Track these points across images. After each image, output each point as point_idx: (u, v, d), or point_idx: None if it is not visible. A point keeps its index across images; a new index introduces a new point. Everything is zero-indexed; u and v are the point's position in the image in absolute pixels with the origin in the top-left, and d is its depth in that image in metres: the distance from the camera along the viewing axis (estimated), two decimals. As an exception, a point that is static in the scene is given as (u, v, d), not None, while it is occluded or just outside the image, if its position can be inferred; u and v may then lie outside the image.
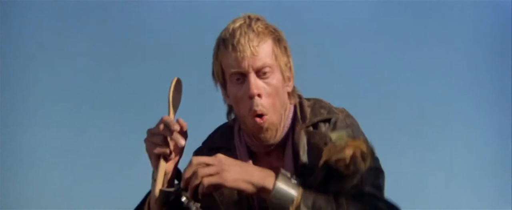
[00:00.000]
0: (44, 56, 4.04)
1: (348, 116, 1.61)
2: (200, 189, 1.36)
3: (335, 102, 1.68)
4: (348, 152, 1.40)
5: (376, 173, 1.53)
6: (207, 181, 1.35)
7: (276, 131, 1.56)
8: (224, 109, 1.67)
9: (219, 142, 1.67)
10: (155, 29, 4.18)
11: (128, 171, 3.83)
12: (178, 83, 1.50)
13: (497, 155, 3.64)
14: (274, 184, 1.37)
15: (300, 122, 1.58)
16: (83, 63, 4.12)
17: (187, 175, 1.38)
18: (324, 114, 1.58)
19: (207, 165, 1.38)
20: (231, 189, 1.42)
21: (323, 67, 3.88)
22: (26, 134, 3.95)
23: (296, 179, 1.41)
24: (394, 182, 1.67)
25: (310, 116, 1.59)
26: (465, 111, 3.89)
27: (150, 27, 4.18)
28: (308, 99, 1.66)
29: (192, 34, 4.03)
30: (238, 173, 1.38)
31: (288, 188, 1.38)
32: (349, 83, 4.05)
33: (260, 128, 1.53)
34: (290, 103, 1.62)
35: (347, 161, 1.39)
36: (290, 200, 1.37)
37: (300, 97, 1.65)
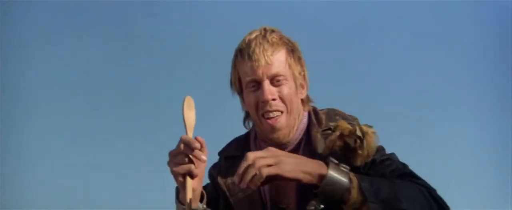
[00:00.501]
0: (45, 57, 4.05)
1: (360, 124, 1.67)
2: (256, 179, 1.41)
3: (339, 103, 1.76)
4: (343, 127, 1.54)
5: (402, 163, 1.63)
6: (266, 171, 1.42)
7: (289, 132, 1.65)
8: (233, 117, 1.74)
9: (235, 151, 1.75)
10: (156, 29, 4.19)
11: (128, 171, 3.84)
12: (190, 101, 1.52)
13: (497, 155, 3.65)
14: (327, 171, 1.45)
15: (316, 126, 1.67)
16: (83, 64, 4.13)
17: (243, 166, 1.43)
18: (339, 120, 1.65)
19: (263, 157, 1.44)
20: (287, 179, 1.46)
21: (323, 67, 3.88)
22: (26, 134, 3.95)
23: (344, 167, 1.49)
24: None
25: (326, 121, 1.68)
26: (465, 111, 3.90)
27: (151, 27, 4.19)
28: (321, 109, 1.75)
29: (193, 34, 4.03)
30: (294, 164, 1.45)
31: (339, 174, 1.46)
32: (351, 83, 4.06)
33: (272, 128, 1.63)
34: (304, 110, 1.72)
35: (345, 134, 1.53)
36: (343, 185, 1.45)
37: (314, 107, 1.75)
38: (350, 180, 1.45)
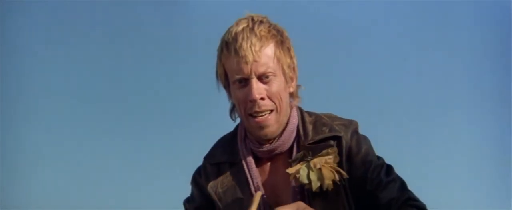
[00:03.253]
0: (45, 57, 4.05)
1: (354, 132, 1.63)
2: None
3: (337, 102, 1.69)
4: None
5: (400, 179, 1.61)
6: None
7: (277, 129, 1.59)
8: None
9: (222, 157, 1.69)
10: (157, 29, 4.19)
11: (129, 171, 3.84)
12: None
13: (497, 155, 3.65)
14: None
15: (303, 138, 1.61)
16: (84, 64, 4.13)
17: None
18: (326, 132, 1.61)
19: None
20: None
21: (320, 65, 3.88)
22: (26, 134, 3.95)
23: None
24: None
25: (312, 133, 1.61)
26: (465, 110, 3.90)
27: (152, 27, 4.19)
28: (309, 115, 1.68)
29: (196, 34, 4.03)
30: None
31: None
32: (349, 82, 4.06)
33: (260, 127, 1.56)
34: (293, 106, 1.65)
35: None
36: None
37: (301, 110, 1.68)
38: None
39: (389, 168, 1.60)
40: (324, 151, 1.56)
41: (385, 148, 1.66)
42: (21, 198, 3.71)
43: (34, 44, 3.99)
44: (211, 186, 1.64)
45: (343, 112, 1.69)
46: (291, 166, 1.57)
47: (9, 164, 3.75)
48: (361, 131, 1.65)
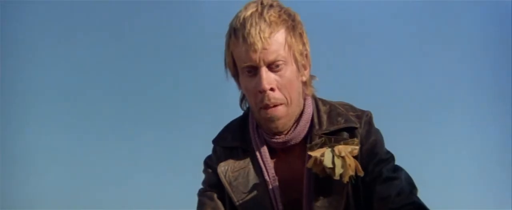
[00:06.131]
0: (46, 56, 4.05)
1: (367, 123, 1.56)
2: None
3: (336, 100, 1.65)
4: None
5: (409, 181, 1.52)
6: None
7: (289, 120, 1.52)
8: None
9: (233, 142, 1.61)
10: (156, 29, 4.19)
11: (129, 171, 3.84)
12: None
13: (497, 155, 3.64)
14: None
15: (317, 127, 1.54)
16: (83, 63, 4.13)
17: None
18: (341, 122, 1.54)
19: None
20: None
21: (320, 63, 3.87)
22: (26, 134, 3.95)
23: None
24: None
25: (327, 123, 1.54)
26: (465, 110, 3.90)
27: (152, 26, 4.19)
28: (324, 103, 1.60)
29: (195, 32, 4.03)
30: None
31: None
32: (350, 80, 4.06)
33: (270, 119, 1.49)
34: (306, 95, 1.57)
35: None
36: None
37: (315, 99, 1.61)
38: None
39: (397, 168, 1.52)
40: (350, 140, 1.48)
41: (391, 154, 1.63)
42: (21, 198, 3.71)
43: (34, 44, 3.99)
44: (221, 166, 1.57)
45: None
46: (307, 155, 1.49)
47: (9, 164, 3.75)
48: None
